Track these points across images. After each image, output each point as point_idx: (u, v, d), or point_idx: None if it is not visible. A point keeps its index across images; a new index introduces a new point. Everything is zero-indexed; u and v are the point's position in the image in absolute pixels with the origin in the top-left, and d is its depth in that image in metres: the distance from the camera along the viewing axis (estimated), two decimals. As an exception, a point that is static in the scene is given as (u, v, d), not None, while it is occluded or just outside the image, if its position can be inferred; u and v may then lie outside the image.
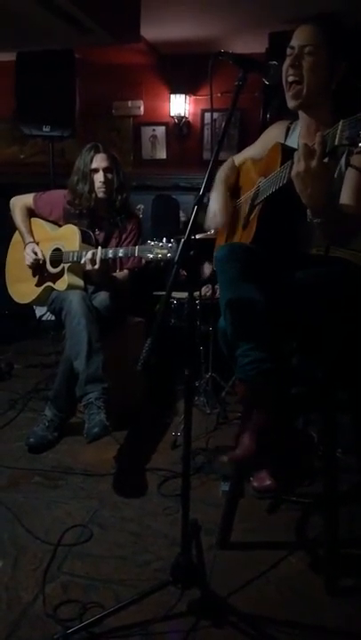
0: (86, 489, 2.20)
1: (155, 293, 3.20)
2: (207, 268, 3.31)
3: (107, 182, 2.66)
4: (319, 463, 2.21)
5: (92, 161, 2.66)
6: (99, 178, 2.66)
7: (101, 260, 2.47)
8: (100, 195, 2.68)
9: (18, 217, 2.86)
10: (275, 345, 1.53)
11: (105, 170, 2.66)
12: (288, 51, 1.60)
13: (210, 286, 3.11)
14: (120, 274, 2.74)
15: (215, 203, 1.89)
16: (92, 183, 2.67)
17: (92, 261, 2.47)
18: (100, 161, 2.66)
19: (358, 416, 1.74)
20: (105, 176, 2.66)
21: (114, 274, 2.71)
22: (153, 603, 1.53)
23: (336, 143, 1.25)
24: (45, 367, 3.42)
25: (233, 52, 1.45)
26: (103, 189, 2.67)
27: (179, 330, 2.93)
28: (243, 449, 1.46)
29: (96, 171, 2.66)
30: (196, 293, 3.05)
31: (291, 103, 1.62)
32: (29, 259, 2.74)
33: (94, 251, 2.49)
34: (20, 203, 2.87)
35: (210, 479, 2.25)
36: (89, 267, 2.48)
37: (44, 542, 1.84)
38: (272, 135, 1.86)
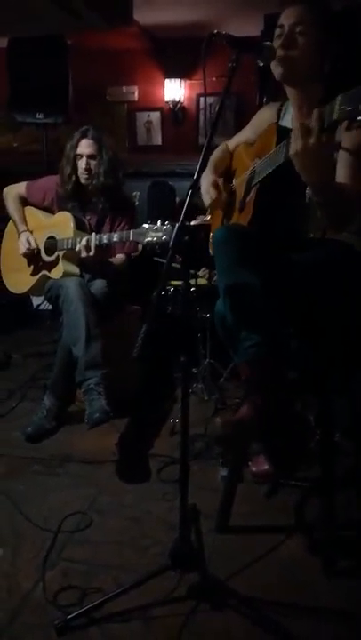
0: (85, 476, 2.20)
1: (155, 259, 3.12)
2: None
3: (89, 169, 2.65)
4: (317, 447, 2.21)
5: (77, 146, 2.65)
6: (81, 164, 2.66)
7: (96, 247, 2.45)
8: (83, 180, 2.68)
9: (11, 206, 2.84)
10: (275, 329, 1.53)
11: (88, 156, 2.64)
12: (277, 31, 1.57)
13: (206, 269, 3.07)
14: (117, 259, 2.71)
15: (204, 181, 1.88)
16: (74, 167, 2.67)
17: (87, 248, 2.45)
18: (84, 147, 2.64)
19: (353, 400, 1.74)
20: (87, 162, 2.64)
21: (110, 259, 2.69)
22: (153, 587, 1.54)
23: (335, 118, 1.23)
24: (43, 356, 3.41)
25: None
26: (85, 175, 2.67)
27: (176, 317, 2.92)
28: (240, 413, 1.46)
29: (80, 156, 2.65)
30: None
31: (277, 70, 1.58)
32: (23, 248, 2.74)
33: (88, 237, 2.47)
34: (12, 192, 2.86)
35: (208, 465, 2.25)
36: (84, 254, 2.46)
37: (44, 530, 1.84)
38: (263, 118, 1.84)
